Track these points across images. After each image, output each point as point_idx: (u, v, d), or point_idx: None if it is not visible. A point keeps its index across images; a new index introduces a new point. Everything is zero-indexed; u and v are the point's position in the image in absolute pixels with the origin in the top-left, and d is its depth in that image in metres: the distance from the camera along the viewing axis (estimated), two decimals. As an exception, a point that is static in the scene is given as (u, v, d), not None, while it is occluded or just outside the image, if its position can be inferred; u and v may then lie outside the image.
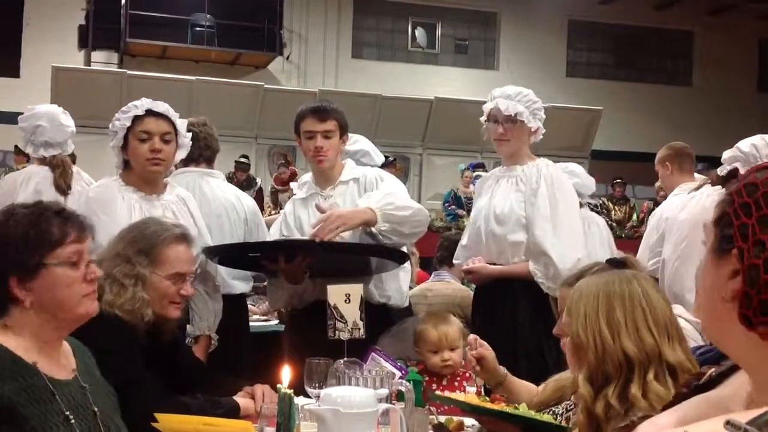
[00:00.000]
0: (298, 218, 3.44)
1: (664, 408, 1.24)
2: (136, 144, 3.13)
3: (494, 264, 3.51)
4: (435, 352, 2.93)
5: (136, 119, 3.13)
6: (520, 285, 3.42)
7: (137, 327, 2.47)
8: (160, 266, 2.54)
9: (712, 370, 1.20)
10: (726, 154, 3.67)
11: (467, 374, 2.95)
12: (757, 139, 3.59)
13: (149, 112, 3.15)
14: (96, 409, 1.94)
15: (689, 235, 3.61)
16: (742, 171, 3.55)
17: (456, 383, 2.90)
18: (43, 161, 4.33)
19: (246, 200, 3.79)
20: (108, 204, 3.09)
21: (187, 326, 3.19)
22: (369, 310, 3.03)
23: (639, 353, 1.76)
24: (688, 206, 3.67)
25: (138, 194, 3.16)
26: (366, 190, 3.34)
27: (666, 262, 3.72)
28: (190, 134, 3.30)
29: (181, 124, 3.25)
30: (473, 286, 4.72)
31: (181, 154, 3.28)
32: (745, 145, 3.59)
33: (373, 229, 3.13)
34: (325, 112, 3.37)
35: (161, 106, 3.19)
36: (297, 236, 3.39)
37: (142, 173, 3.17)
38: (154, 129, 3.14)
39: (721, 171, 3.68)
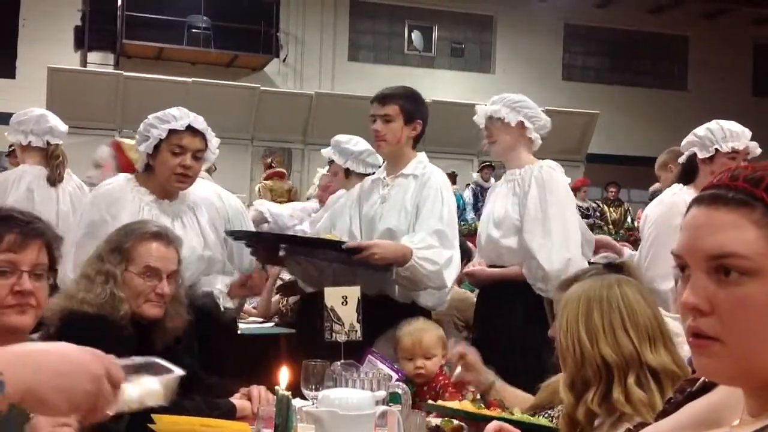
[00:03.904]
0: (358, 196, 3.54)
1: (659, 416, 1.24)
2: (167, 155, 3.11)
3: (494, 267, 3.55)
4: (409, 359, 2.84)
5: (173, 131, 3.10)
6: (516, 288, 3.44)
7: (118, 324, 2.45)
8: (132, 263, 2.54)
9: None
10: (684, 141, 3.73)
11: (448, 383, 2.81)
12: (713, 124, 3.65)
13: (188, 127, 3.12)
14: None
15: (656, 223, 3.67)
16: (699, 155, 3.59)
17: (443, 392, 2.81)
18: (42, 153, 4.40)
19: (229, 199, 3.80)
20: (114, 203, 3.08)
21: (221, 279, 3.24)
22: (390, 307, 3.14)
23: (617, 358, 1.75)
24: (663, 201, 3.75)
25: (150, 197, 3.15)
26: (418, 191, 3.33)
27: (641, 253, 3.79)
28: (218, 151, 3.31)
29: (216, 142, 3.24)
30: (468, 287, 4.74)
31: (203, 167, 3.30)
32: (700, 130, 3.66)
33: (394, 268, 3.18)
34: (386, 97, 3.40)
35: (200, 123, 3.17)
36: (355, 213, 3.49)
37: (165, 184, 3.15)
38: (189, 145, 3.12)
39: (682, 159, 3.74)
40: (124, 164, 4.15)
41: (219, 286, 3.19)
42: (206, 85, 13.67)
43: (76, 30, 15.74)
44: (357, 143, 4.26)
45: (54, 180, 4.37)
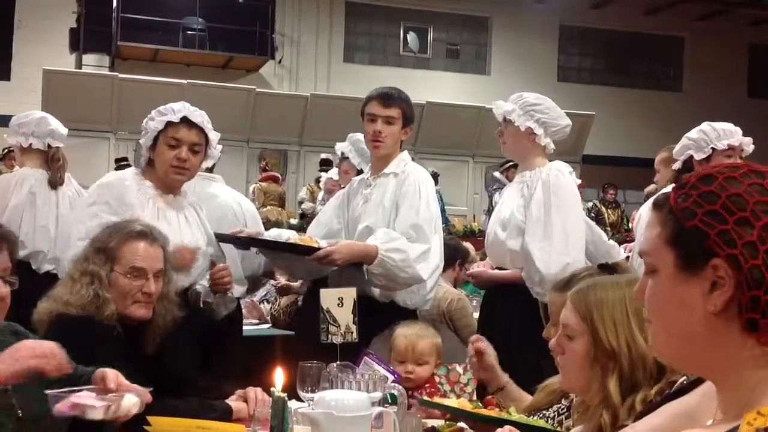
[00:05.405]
0: (346, 197, 3.57)
1: (637, 416, 1.25)
2: (164, 148, 3.13)
3: (500, 269, 3.56)
4: (401, 361, 2.81)
5: (170, 124, 3.12)
6: (516, 290, 3.44)
7: (105, 325, 2.44)
8: (118, 263, 2.53)
9: (684, 378, 1.21)
10: (677, 147, 3.76)
11: (435, 390, 2.77)
12: (704, 126, 3.68)
13: (184, 120, 3.13)
14: (20, 412, 1.95)
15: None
16: (696, 157, 3.61)
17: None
18: (43, 156, 4.41)
19: (246, 205, 3.86)
20: (120, 196, 3.08)
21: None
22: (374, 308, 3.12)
23: None
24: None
25: (156, 191, 3.17)
26: (397, 188, 3.34)
27: (634, 251, 3.84)
28: (220, 146, 3.30)
29: (214, 136, 3.24)
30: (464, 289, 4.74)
31: (207, 164, 3.30)
32: (693, 133, 3.69)
33: (365, 267, 3.17)
34: (390, 98, 3.39)
35: (197, 116, 3.17)
36: (342, 214, 3.53)
37: (164, 178, 3.17)
38: (185, 138, 3.13)
39: (676, 166, 3.77)
40: None
41: (203, 281, 3.20)
42: (202, 86, 13.64)
43: (71, 32, 15.72)
44: (361, 142, 4.28)
45: (55, 183, 4.38)
